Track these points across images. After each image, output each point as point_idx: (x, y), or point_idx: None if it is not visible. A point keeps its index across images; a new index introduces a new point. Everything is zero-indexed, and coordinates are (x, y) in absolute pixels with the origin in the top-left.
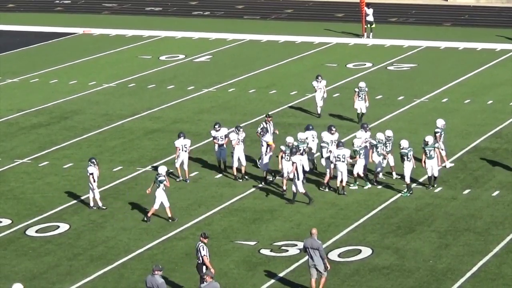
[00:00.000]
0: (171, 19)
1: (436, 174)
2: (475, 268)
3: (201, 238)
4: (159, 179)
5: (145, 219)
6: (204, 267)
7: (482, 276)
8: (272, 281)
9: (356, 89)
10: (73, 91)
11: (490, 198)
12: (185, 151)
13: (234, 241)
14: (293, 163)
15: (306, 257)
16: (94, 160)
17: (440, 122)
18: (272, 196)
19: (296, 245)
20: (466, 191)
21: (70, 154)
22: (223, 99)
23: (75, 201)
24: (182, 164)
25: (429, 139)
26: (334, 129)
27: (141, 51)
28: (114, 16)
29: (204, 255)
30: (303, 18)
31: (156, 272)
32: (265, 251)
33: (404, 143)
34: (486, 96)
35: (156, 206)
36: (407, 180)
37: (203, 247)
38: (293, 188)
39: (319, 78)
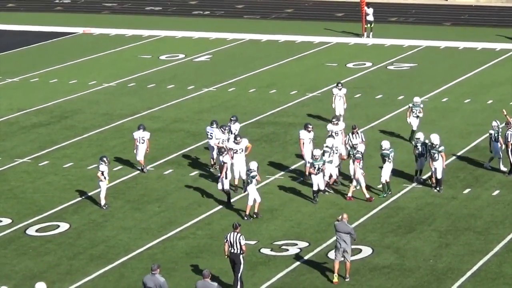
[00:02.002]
0: (171, 18)
1: (439, 177)
2: (475, 268)
3: (236, 230)
4: (251, 174)
5: (245, 218)
6: (241, 256)
7: (482, 276)
8: (273, 280)
9: (410, 104)
10: (73, 90)
11: (490, 197)
12: (142, 143)
13: None
14: (224, 163)
15: (307, 257)
16: (105, 158)
17: (494, 124)
18: (272, 196)
19: (297, 244)
20: (466, 191)
21: (70, 153)
22: (223, 98)
23: (75, 201)
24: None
25: (434, 139)
26: (310, 127)
27: (141, 51)
28: (114, 16)
29: (244, 244)
30: (303, 17)
31: (155, 271)
32: (266, 251)
33: (386, 144)
34: (486, 95)
35: (250, 202)
36: (384, 180)
37: (242, 237)
38: (219, 187)
39: (340, 85)
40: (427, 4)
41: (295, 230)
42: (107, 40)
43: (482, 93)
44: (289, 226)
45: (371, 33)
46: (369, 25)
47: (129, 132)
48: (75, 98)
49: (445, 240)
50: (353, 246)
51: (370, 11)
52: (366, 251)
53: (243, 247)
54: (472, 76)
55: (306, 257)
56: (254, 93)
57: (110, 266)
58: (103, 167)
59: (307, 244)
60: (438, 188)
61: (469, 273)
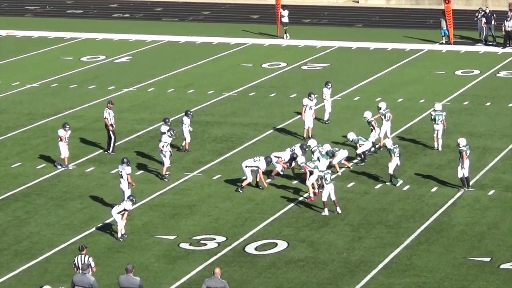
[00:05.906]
0: (92, 21)
1: (466, 175)
2: (387, 260)
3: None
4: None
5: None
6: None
7: (393, 268)
8: (192, 273)
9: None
10: None
11: (401, 192)
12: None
13: (154, 235)
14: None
15: (224, 251)
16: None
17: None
18: (191, 192)
19: (215, 239)
20: (378, 186)
21: None
22: (143, 98)
23: None
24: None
25: (388, 142)
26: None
27: (63, 52)
28: (36, 19)
29: (94, 265)
30: (219, 19)
31: (131, 272)
32: (185, 245)
33: (388, 142)
34: (396, 94)
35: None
36: (392, 171)
37: (91, 258)
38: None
39: (329, 84)
40: (339, 6)
41: (213, 225)
42: (30, 42)
43: (393, 92)
44: (207, 221)
45: (285, 34)
46: (283, 26)
47: (51, 131)
48: None
49: (357, 234)
50: (268, 240)
51: (285, 13)
52: (282, 245)
53: (94, 269)
54: (383, 75)
55: (224, 251)
56: (172, 93)
57: (34, 261)
58: (61, 131)
59: (224, 238)
60: (467, 187)
61: (381, 265)
